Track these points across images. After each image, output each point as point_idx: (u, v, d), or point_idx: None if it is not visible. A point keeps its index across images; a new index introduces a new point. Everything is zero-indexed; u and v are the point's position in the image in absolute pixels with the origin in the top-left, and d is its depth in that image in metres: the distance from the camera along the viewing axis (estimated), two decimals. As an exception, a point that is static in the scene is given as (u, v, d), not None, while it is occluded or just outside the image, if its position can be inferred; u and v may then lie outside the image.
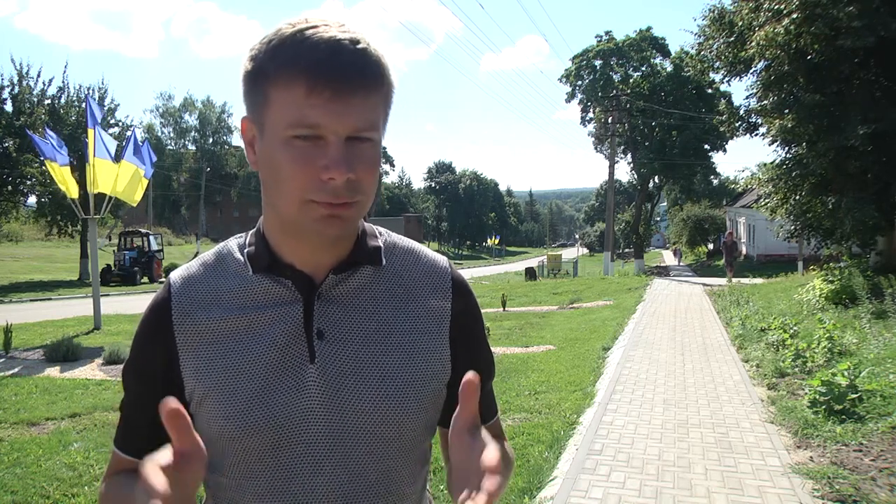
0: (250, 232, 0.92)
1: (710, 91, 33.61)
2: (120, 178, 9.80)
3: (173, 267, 25.44)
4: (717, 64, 14.74)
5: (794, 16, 10.00)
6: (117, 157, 10.01)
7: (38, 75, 23.91)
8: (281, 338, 0.84)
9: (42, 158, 10.44)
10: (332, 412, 0.83)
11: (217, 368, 0.83)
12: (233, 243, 0.92)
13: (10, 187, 23.08)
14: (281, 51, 0.75)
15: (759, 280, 18.90)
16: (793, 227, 13.49)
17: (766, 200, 13.47)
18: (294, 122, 0.74)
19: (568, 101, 39.42)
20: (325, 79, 0.73)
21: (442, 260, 0.96)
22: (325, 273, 0.86)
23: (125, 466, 0.89)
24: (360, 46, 0.75)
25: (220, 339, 0.85)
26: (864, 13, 9.20)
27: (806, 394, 5.32)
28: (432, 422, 0.93)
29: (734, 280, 19.44)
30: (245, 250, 0.89)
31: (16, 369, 7.43)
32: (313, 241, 0.84)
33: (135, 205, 10.62)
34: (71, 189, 9.83)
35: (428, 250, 0.97)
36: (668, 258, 52.49)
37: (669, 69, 35.70)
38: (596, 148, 39.93)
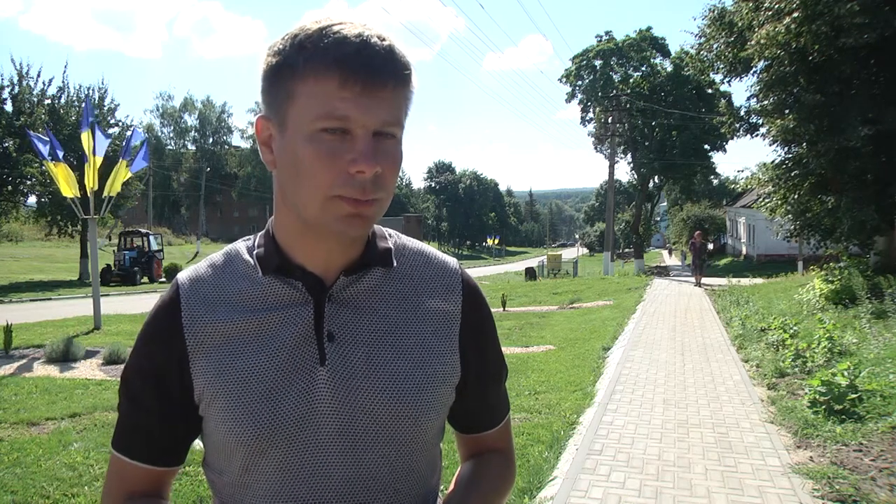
0: (259, 234, 0.91)
1: (710, 91, 33.67)
2: (118, 176, 9.91)
3: (173, 267, 25.72)
4: (718, 64, 14.75)
5: (796, 14, 10.00)
6: (115, 157, 10.05)
7: (38, 75, 24.09)
8: (291, 340, 0.83)
9: (41, 158, 10.39)
10: (342, 414, 0.82)
11: (227, 370, 0.82)
12: (241, 245, 0.91)
13: (10, 187, 23.10)
14: (309, 44, 0.75)
15: (759, 280, 18.88)
16: (792, 227, 13.49)
17: (766, 200, 13.48)
18: (323, 114, 0.74)
19: (568, 101, 39.46)
20: (357, 72, 0.73)
21: (452, 262, 0.96)
22: (336, 275, 0.85)
23: (135, 475, 0.88)
24: (387, 43, 0.76)
25: (231, 340, 0.84)
26: (866, 9, 9.19)
27: (806, 394, 5.32)
28: (442, 423, 0.93)
29: (703, 283, 18.57)
30: (254, 252, 0.88)
31: (16, 369, 7.43)
32: (331, 241, 0.83)
33: (114, 195, 10.46)
34: (67, 188, 9.80)
35: (438, 252, 0.97)
36: (668, 259, 52.40)
37: (669, 69, 35.72)
38: (596, 148, 39.92)
